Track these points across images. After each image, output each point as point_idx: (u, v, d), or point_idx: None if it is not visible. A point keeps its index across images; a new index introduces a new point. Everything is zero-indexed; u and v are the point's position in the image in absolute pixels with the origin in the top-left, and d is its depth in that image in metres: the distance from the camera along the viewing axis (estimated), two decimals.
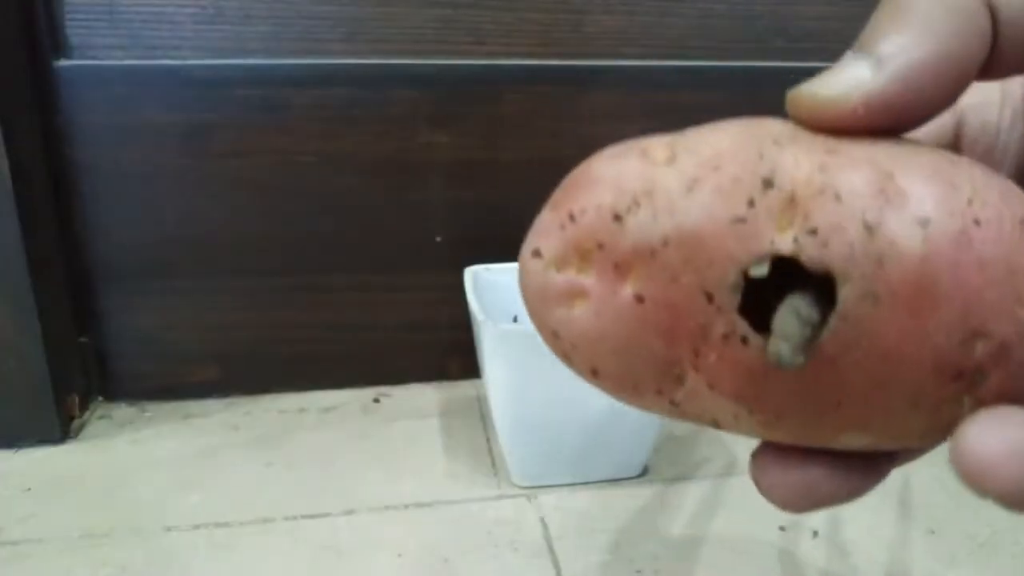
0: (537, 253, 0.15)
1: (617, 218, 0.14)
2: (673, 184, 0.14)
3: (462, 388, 0.58)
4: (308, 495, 0.45)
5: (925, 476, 0.47)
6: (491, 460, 0.49)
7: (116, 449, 0.50)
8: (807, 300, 0.13)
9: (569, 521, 0.43)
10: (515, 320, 0.51)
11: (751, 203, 0.13)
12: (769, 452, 0.16)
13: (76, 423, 0.52)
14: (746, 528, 0.42)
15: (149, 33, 0.49)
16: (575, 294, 0.14)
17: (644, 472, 0.47)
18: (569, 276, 0.14)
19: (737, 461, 0.49)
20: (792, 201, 0.13)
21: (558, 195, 0.16)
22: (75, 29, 0.48)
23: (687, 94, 0.56)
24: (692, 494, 0.45)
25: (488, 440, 0.51)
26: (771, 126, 0.15)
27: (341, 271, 0.55)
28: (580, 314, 0.15)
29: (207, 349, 0.55)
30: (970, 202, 0.13)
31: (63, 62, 0.48)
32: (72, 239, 0.51)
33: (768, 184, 0.13)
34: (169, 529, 0.42)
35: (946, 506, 0.44)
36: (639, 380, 0.15)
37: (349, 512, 0.43)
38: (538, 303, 0.15)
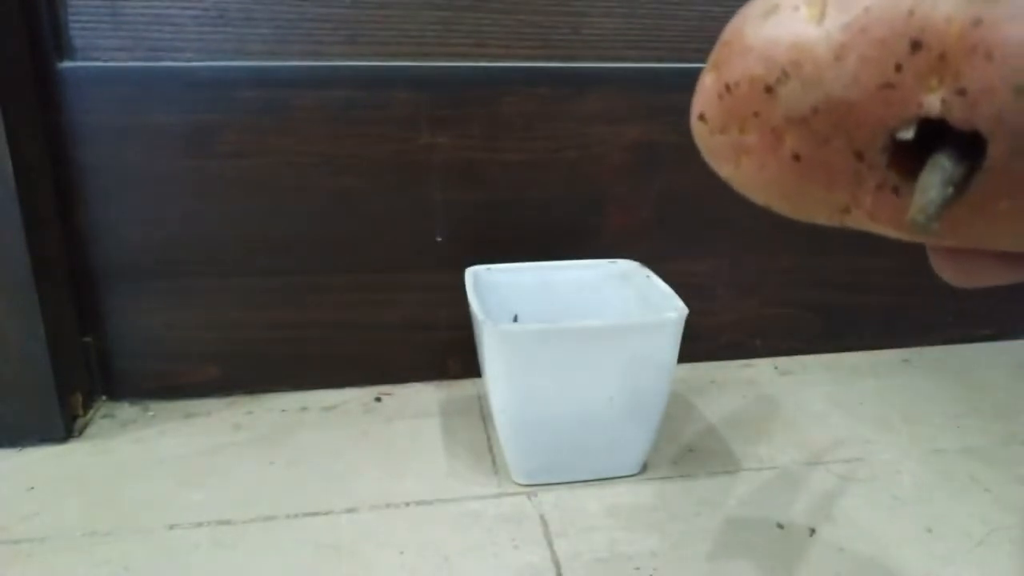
0: (702, 118, 0.16)
1: (769, 90, 0.15)
2: (821, 53, 0.14)
3: (463, 387, 0.59)
4: (310, 493, 0.45)
5: (923, 475, 0.48)
6: (491, 458, 0.49)
7: (119, 448, 0.50)
8: (953, 157, 0.13)
9: (569, 519, 0.43)
10: (515, 319, 0.52)
11: (898, 68, 0.13)
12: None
13: (79, 422, 0.52)
14: (745, 526, 0.43)
15: (152, 35, 0.49)
16: (740, 151, 0.16)
17: (644, 470, 0.48)
18: (732, 137, 0.16)
19: (737, 460, 0.49)
20: (942, 59, 0.12)
21: (715, 56, 0.16)
22: (78, 31, 0.48)
23: (686, 96, 0.56)
24: (691, 493, 0.46)
25: (488, 439, 0.51)
26: None
27: (343, 271, 0.56)
28: (746, 168, 0.16)
29: (210, 348, 0.56)
30: None
31: (66, 63, 0.49)
32: (75, 239, 0.52)
33: (916, 46, 0.13)
34: (172, 527, 0.42)
35: (943, 504, 0.45)
36: (810, 212, 0.16)
37: (351, 510, 0.44)
38: (710, 159, 0.17)
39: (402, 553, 0.40)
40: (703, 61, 0.58)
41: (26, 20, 0.47)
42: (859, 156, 0.14)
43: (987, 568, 0.39)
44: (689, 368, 0.61)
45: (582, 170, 0.56)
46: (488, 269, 0.51)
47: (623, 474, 0.47)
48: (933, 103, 0.13)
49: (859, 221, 0.16)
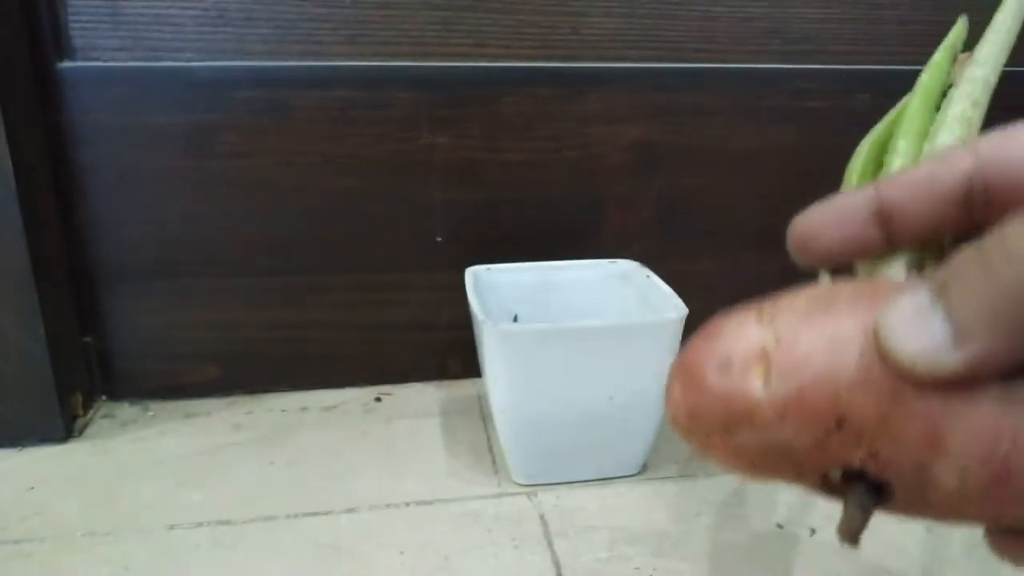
0: (675, 421, 0.19)
1: (726, 427, 0.18)
2: (767, 412, 0.17)
3: (463, 387, 0.59)
4: (310, 493, 0.45)
5: None
6: (492, 458, 0.49)
7: (119, 448, 0.50)
8: (866, 492, 0.17)
9: (569, 519, 0.43)
10: (515, 319, 0.52)
11: (827, 434, 0.16)
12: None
13: (79, 422, 0.52)
14: (744, 526, 0.43)
15: (152, 35, 0.49)
16: (707, 449, 0.19)
17: (644, 470, 0.48)
18: (700, 440, 0.19)
19: None
20: (860, 434, 0.16)
21: (680, 375, 0.19)
22: (78, 31, 0.49)
23: (685, 96, 0.56)
24: (691, 492, 0.46)
25: (489, 439, 0.51)
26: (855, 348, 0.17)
27: (343, 271, 0.56)
28: (714, 458, 0.19)
29: (209, 348, 0.56)
30: (1007, 455, 0.15)
31: (66, 64, 0.49)
32: (75, 239, 0.52)
33: (841, 422, 0.16)
34: (172, 527, 0.42)
35: None
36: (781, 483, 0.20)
37: (351, 510, 0.44)
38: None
39: (402, 553, 0.40)
40: (703, 61, 0.58)
41: (26, 20, 0.47)
42: (799, 475, 0.18)
43: (987, 568, 0.39)
44: None
45: (582, 170, 0.56)
46: (488, 269, 0.51)
47: (623, 474, 0.47)
48: (854, 460, 0.17)
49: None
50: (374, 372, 0.58)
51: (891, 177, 0.19)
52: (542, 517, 0.43)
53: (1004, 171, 0.17)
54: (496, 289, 0.51)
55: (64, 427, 0.50)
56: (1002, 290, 0.14)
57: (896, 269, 0.20)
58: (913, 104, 0.24)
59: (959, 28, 0.27)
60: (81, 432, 0.52)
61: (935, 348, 0.15)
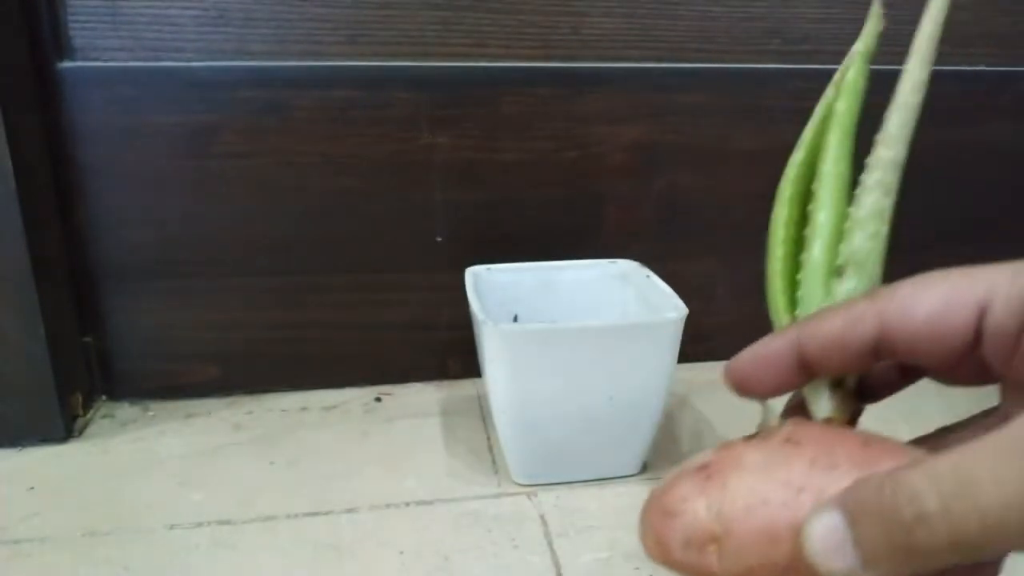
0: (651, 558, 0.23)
1: None
2: None
3: (463, 387, 0.59)
4: (310, 493, 0.45)
5: None
6: (491, 458, 0.49)
7: (119, 448, 0.50)
8: None
9: (569, 519, 0.43)
10: (515, 319, 0.52)
11: None
12: None
13: (79, 422, 0.52)
14: None
15: (152, 35, 0.49)
16: None
17: (644, 470, 0.48)
18: None
19: None
20: None
21: (654, 546, 0.23)
22: (78, 31, 0.49)
23: (685, 96, 0.56)
24: None
25: (488, 439, 0.51)
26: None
27: (343, 271, 0.56)
28: None
29: (209, 349, 0.56)
30: None
31: (66, 64, 0.49)
32: (75, 239, 0.52)
33: None
34: (172, 527, 0.42)
35: None
36: None
37: (351, 510, 0.44)
38: None
39: (402, 553, 0.40)
40: (703, 61, 0.58)
41: (26, 20, 0.47)
42: None
43: None
44: (689, 368, 0.61)
45: (582, 170, 0.56)
46: (488, 269, 0.51)
47: (623, 474, 0.47)
48: None
49: None
50: (374, 372, 0.58)
51: (809, 331, 0.22)
52: (542, 517, 0.43)
53: (904, 336, 0.20)
54: (496, 289, 0.51)
55: (64, 427, 0.50)
56: (903, 530, 0.17)
57: (819, 391, 0.24)
58: (829, 169, 0.25)
59: (869, 34, 0.27)
60: (81, 432, 0.52)
61: (847, 568, 0.18)
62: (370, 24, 0.51)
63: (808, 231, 0.25)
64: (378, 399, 0.57)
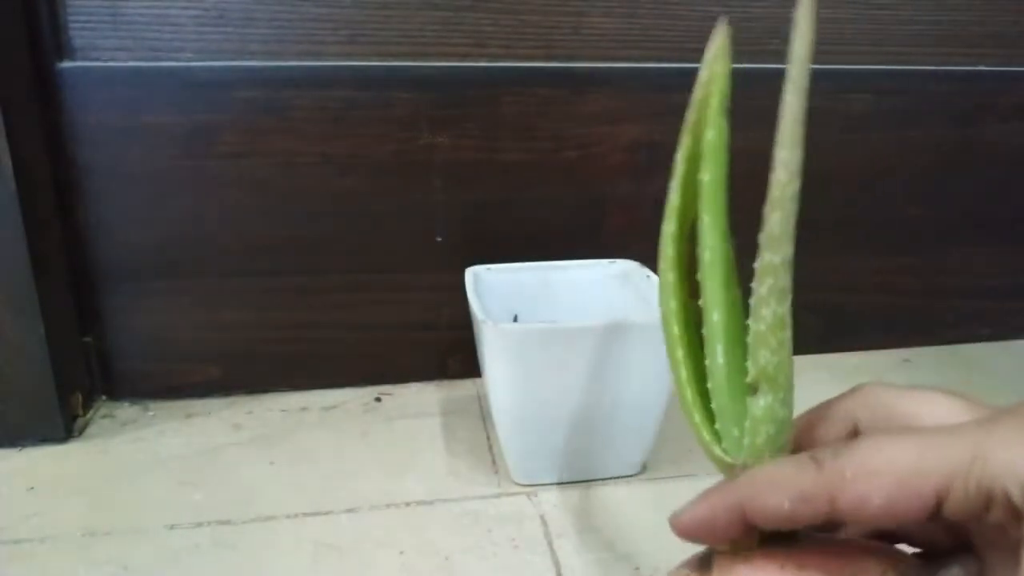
0: None
1: None
2: None
3: (463, 387, 0.59)
4: (310, 493, 0.45)
5: None
6: (491, 458, 0.49)
7: (119, 448, 0.50)
8: None
9: (569, 519, 0.43)
10: (515, 319, 0.52)
11: None
12: None
13: (79, 422, 0.52)
14: None
15: (152, 35, 0.49)
16: None
17: (644, 470, 0.48)
18: None
19: None
20: None
21: None
22: (78, 31, 0.49)
23: (685, 96, 0.56)
24: (691, 492, 0.46)
25: (488, 439, 0.51)
26: None
27: (343, 271, 0.56)
28: None
29: (209, 348, 0.56)
30: None
31: (66, 63, 0.49)
32: (75, 239, 0.52)
33: None
34: (172, 527, 0.42)
35: None
36: None
37: (351, 510, 0.44)
38: None
39: (402, 553, 0.40)
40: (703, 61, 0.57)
41: (26, 20, 0.47)
42: None
43: None
44: None
45: (582, 170, 0.56)
46: (488, 269, 0.51)
47: (623, 474, 0.47)
48: None
49: None
50: (374, 372, 0.58)
51: (753, 503, 0.22)
52: (542, 517, 0.43)
53: (858, 520, 0.20)
54: (496, 289, 0.51)
55: (64, 427, 0.50)
56: None
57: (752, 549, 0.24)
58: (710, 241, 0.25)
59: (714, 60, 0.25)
60: (81, 432, 0.52)
61: None
62: (370, 24, 0.51)
63: (705, 331, 0.24)
64: (378, 399, 0.57)
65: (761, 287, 0.23)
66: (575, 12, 0.53)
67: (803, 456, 0.21)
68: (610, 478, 0.47)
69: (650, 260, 0.52)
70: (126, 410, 0.55)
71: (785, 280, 0.22)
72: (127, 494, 0.45)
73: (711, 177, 0.24)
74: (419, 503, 0.44)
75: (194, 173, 0.52)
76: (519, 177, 0.56)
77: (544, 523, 0.43)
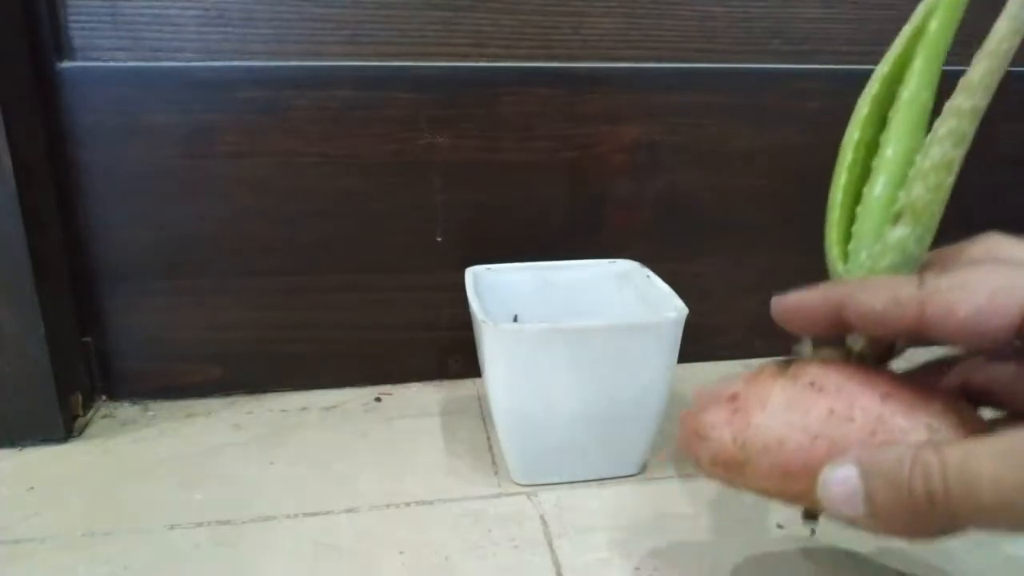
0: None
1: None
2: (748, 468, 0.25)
3: (463, 387, 0.59)
4: (310, 493, 0.45)
5: None
6: (491, 458, 0.49)
7: (119, 448, 0.50)
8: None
9: (569, 519, 0.43)
10: (515, 319, 0.52)
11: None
12: None
13: (79, 422, 0.52)
14: (745, 526, 0.43)
15: (152, 35, 0.49)
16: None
17: (644, 470, 0.48)
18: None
19: None
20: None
21: (682, 447, 0.28)
22: (78, 31, 0.49)
23: (686, 96, 0.56)
24: (691, 492, 0.46)
25: (488, 439, 0.51)
26: None
27: (343, 271, 0.56)
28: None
29: (209, 349, 0.56)
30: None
31: (66, 64, 0.49)
32: (75, 239, 0.52)
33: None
34: (172, 527, 0.42)
35: None
36: None
37: (351, 510, 0.44)
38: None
39: (402, 553, 0.40)
40: (703, 61, 0.58)
41: (26, 20, 0.47)
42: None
43: (987, 568, 0.39)
44: (689, 368, 0.61)
45: (582, 170, 0.56)
46: (488, 269, 0.51)
47: (623, 474, 0.47)
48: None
49: None
50: (374, 372, 0.58)
51: (852, 299, 0.23)
52: (542, 517, 0.43)
53: (942, 330, 0.21)
54: (496, 289, 0.51)
55: (64, 427, 0.50)
56: (910, 499, 0.21)
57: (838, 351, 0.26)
58: (902, 116, 0.25)
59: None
60: (81, 432, 0.52)
61: (854, 515, 0.22)
62: (370, 24, 0.51)
63: (875, 162, 0.25)
64: (378, 399, 0.57)
65: (941, 128, 0.23)
66: (575, 12, 0.53)
67: (911, 275, 0.23)
68: (610, 478, 0.47)
69: (650, 260, 0.52)
70: (126, 410, 0.55)
71: (967, 127, 0.23)
72: (127, 494, 0.45)
73: (938, 25, 0.25)
74: (419, 503, 0.44)
75: (194, 173, 0.52)
76: (519, 177, 0.56)
77: (544, 523, 0.43)
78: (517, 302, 0.52)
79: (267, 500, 0.44)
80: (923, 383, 0.25)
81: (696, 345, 0.59)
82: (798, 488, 0.23)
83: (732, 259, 0.61)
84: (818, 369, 0.25)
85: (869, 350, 0.26)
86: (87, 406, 0.54)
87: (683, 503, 0.45)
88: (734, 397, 0.26)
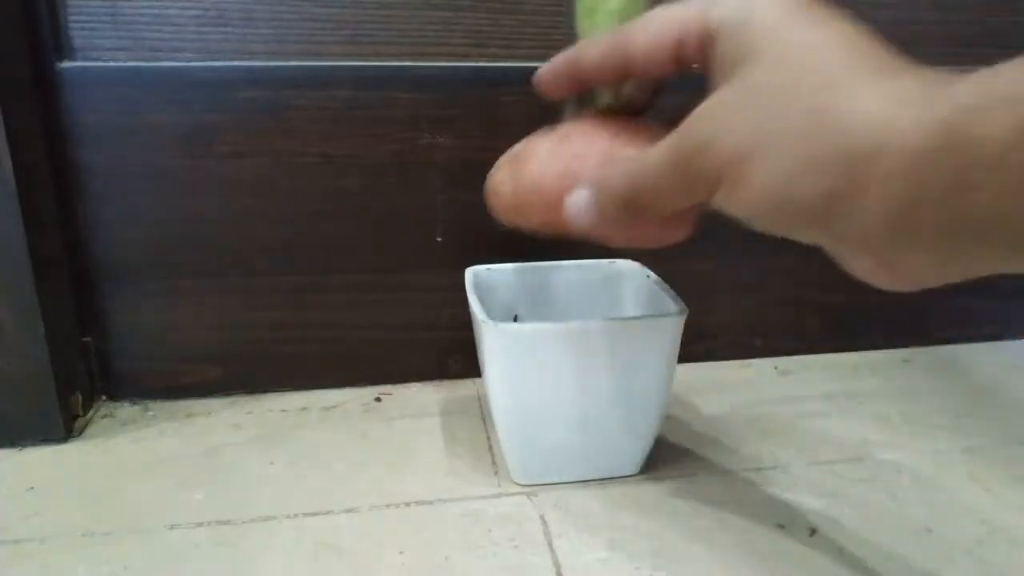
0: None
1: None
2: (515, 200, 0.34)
3: (463, 387, 0.59)
4: (310, 493, 0.45)
5: (923, 475, 0.48)
6: (491, 458, 0.49)
7: (119, 448, 0.50)
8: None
9: (569, 519, 0.43)
10: (515, 319, 0.52)
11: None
12: None
13: (79, 422, 0.52)
14: (745, 526, 0.43)
15: (151, 35, 0.49)
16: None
17: (643, 470, 0.48)
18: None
19: (737, 460, 0.49)
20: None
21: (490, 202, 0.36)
22: (78, 31, 0.49)
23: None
24: (691, 492, 0.46)
25: (488, 439, 0.51)
26: None
27: (343, 271, 0.56)
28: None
29: (209, 349, 0.56)
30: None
31: (66, 64, 0.49)
32: (75, 239, 0.52)
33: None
34: (172, 527, 0.42)
35: (943, 504, 0.45)
36: None
37: (351, 510, 0.44)
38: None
39: (402, 553, 0.40)
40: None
41: (26, 20, 0.47)
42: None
43: (987, 568, 0.40)
44: (689, 368, 0.61)
45: None
46: (488, 269, 0.51)
47: (623, 474, 0.47)
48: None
49: None
50: (374, 372, 0.58)
51: (580, 55, 0.31)
52: (542, 517, 0.43)
53: (642, 67, 0.30)
54: (496, 289, 0.51)
55: (64, 427, 0.50)
56: (615, 195, 0.30)
57: (600, 90, 0.33)
58: None
59: None
60: (81, 432, 0.52)
61: (590, 222, 0.30)
62: (370, 24, 0.51)
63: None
64: (378, 399, 0.57)
65: None
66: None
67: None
68: (610, 478, 0.47)
69: (650, 260, 0.52)
70: (126, 410, 0.55)
71: None
72: (127, 494, 0.45)
73: None
74: (419, 503, 0.44)
75: (194, 173, 0.52)
76: None
77: (544, 523, 0.43)
78: (517, 302, 0.52)
79: (267, 500, 0.44)
80: (650, 124, 0.32)
81: (696, 345, 0.59)
82: (560, 218, 0.31)
83: (732, 259, 0.61)
84: (572, 125, 0.33)
85: (616, 104, 0.33)
86: (87, 406, 0.54)
87: (683, 503, 0.45)
88: (515, 156, 0.33)
